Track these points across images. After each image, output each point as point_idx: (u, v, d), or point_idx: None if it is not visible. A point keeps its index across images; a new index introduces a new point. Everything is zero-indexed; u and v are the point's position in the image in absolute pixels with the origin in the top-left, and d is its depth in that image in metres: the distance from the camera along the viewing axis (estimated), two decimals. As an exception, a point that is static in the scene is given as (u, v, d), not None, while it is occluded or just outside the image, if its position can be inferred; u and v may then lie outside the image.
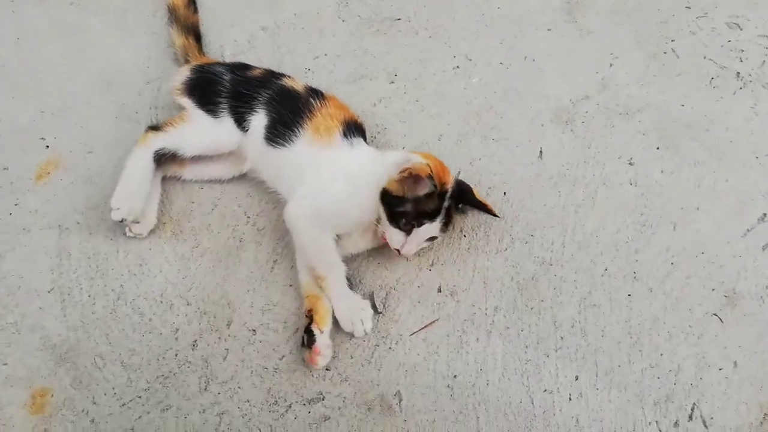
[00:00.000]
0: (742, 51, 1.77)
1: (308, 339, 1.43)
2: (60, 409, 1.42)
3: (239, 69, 1.62)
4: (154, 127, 1.57)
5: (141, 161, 1.54)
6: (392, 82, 1.76)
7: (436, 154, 1.62)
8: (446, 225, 1.45)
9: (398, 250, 1.45)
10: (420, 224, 1.42)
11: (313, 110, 1.53)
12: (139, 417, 1.42)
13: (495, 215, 1.50)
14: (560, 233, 1.58)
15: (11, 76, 1.78)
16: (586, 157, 1.66)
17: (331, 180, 1.48)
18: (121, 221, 1.51)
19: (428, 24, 1.84)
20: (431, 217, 1.42)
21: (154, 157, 1.54)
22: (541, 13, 1.85)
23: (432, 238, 1.47)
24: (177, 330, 1.50)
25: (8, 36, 1.84)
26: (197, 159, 1.60)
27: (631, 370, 1.45)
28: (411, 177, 1.39)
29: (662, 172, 1.64)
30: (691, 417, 1.41)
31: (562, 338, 1.48)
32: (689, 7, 1.84)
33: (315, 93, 1.57)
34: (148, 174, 1.54)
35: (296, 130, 1.51)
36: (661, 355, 1.46)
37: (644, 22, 1.83)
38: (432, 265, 1.56)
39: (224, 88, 1.57)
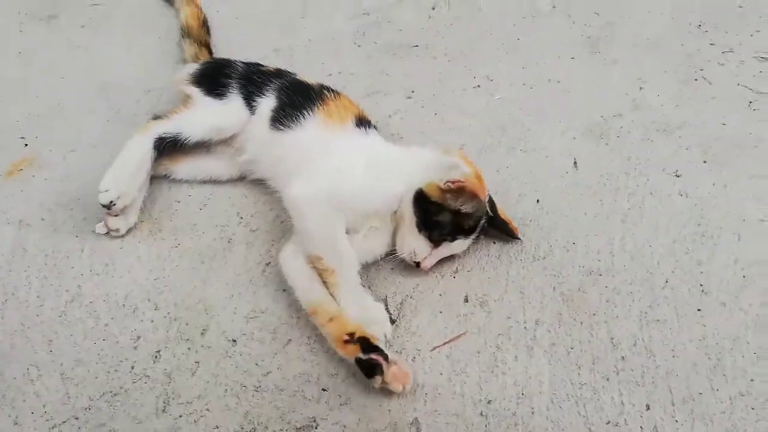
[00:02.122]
0: (777, 80, 1.69)
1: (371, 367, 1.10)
2: (-32, 431, 1.08)
3: (253, 64, 1.51)
4: (157, 117, 1.41)
5: (140, 147, 1.35)
6: (409, 98, 1.65)
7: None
8: (474, 240, 1.28)
9: (417, 263, 1.24)
10: (454, 239, 1.24)
11: (326, 98, 1.39)
12: (71, 443, 1.07)
13: (516, 237, 1.33)
14: (607, 242, 1.34)
15: (4, 83, 1.68)
16: (626, 168, 1.48)
17: (347, 163, 1.28)
18: (110, 205, 1.27)
19: (446, 51, 1.78)
20: (468, 233, 1.25)
21: (155, 145, 1.36)
22: (562, 45, 1.79)
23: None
24: (138, 338, 1.19)
25: (10, 50, 1.78)
26: (193, 152, 1.43)
27: (717, 399, 1.11)
28: (463, 192, 1.20)
29: (714, 184, 1.44)
30: (807, 462, 1.05)
31: (623, 358, 1.17)
32: (713, 44, 1.79)
33: (328, 88, 1.44)
34: (146, 161, 1.35)
35: (306, 112, 1.35)
36: (752, 380, 1.14)
37: (669, 54, 1.76)
38: (456, 272, 1.30)
39: (236, 72, 1.45)
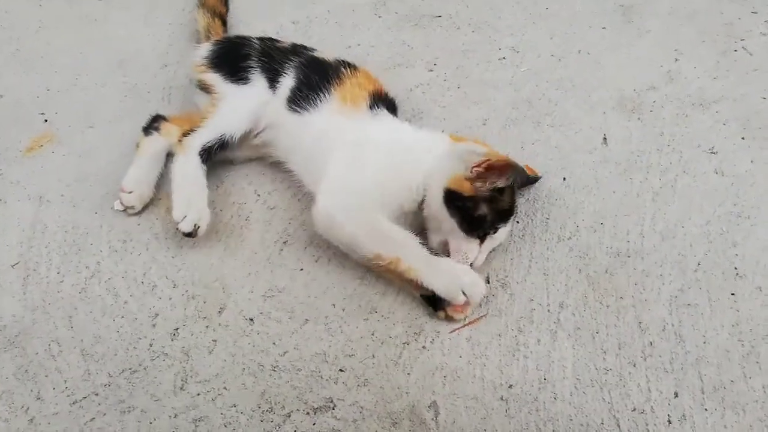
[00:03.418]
0: (825, 50, 1.59)
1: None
2: (-8, 404, 1.09)
3: (267, 39, 1.46)
4: (186, 133, 1.34)
5: (188, 167, 1.30)
6: (431, 70, 1.59)
7: (481, 138, 1.42)
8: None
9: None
10: (496, 230, 1.18)
11: (342, 78, 1.34)
12: (92, 419, 1.07)
13: (537, 178, 1.33)
14: (637, 222, 1.29)
15: (24, 58, 1.67)
16: (659, 144, 1.41)
17: (358, 157, 1.23)
18: (195, 231, 1.23)
19: (471, 21, 1.71)
20: (506, 218, 1.19)
21: (202, 158, 1.31)
22: (594, 14, 1.71)
23: None
24: (156, 315, 1.19)
25: (30, 24, 1.76)
26: None
27: (749, 387, 1.07)
28: (492, 169, 1.14)
29: (752, 161, 1.37)
30: None
31: (651, 344, 1.12)
32: (755, 12, 1.69)
33: (345, 64, 1.39)
34: (200, 176, 1.30)
35: (322, 94, 1.30)
36: (789, 369, 1.09)
37: (707, 23, 1.67)
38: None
39: (254, 50, 1.40)
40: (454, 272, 1.13)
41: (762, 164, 1.37)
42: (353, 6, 1.77)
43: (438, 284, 1.13)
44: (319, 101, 1.31)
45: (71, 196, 1.37)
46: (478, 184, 1.16)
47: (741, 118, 1.45)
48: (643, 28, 1.67)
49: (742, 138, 1.42)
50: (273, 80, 1.36)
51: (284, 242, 1.29)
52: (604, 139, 1.43)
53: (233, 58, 1.40)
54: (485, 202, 1.16)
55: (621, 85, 1.53)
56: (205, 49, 1.46)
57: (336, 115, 1.30)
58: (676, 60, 1.59)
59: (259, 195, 1.37)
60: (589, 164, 1.39)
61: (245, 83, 1.37)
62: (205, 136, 1.33)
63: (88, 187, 1.39)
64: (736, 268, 1.21)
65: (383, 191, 1.21)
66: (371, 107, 1.31)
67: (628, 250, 1.25)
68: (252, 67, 1.38)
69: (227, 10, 1.68)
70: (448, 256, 1.18)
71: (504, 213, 1.19)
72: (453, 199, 1.17)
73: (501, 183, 1.15)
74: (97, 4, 1.82)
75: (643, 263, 1.23)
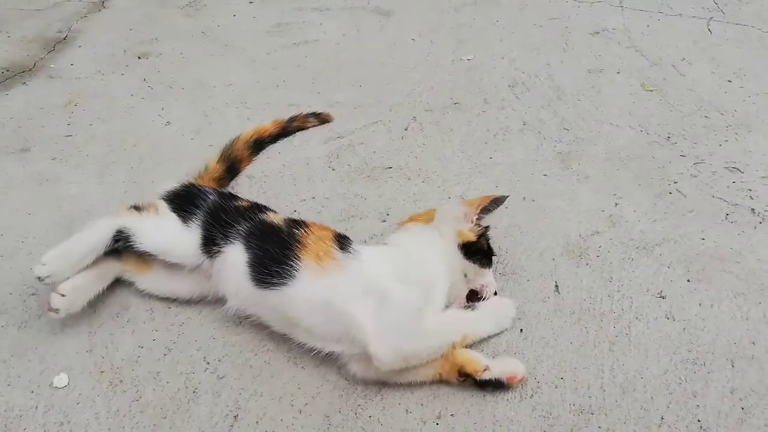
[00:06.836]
0: (750, 190, 1.69)
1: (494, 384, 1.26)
2: None
3: (226, 197, 1.47)
4: (136, 207, 1.42)
5: (100, 231, 1.38)
6: (384, 221, 1.62)
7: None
8: None
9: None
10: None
11: (301, 240, 1.32)
12: None
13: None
14: (596, 375, 1.27)
15: (-32, 222, 1.64)
16: (609, 290, 1.43)
17: (382, 296, 1.24)
18: (40, 279, 1.31)
19: (420, 171, 1.78)
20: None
21: (115, 235, 1.36)
22: (534, 162, 1.80)
23: None
24: None
25: (-23, 185, 1.75)
26: (159, 265, 1.40)
27: None
28: (485, 208, 1.46)
29: (700, 305, 1.40)
30: None
31: None
32: (684, 156, 1.82)
33: (296, 223, 1.38)
34: (99, 247, 1.36)
35: (292, 265, 1.27)
36: None
37: (641, 167, 1.78)
38: (439, 417, 1.21)
39: (204, 203, 1.41)
40: (496, 307, 1.36)
41: (709, 307, 1.40)
42: (308, 159, 1.83)
43: (492, 328, 1.34)
44: (293, 272, 1.27)
45: (6, 373, 1.28)
46: (476, 226, 1.41)
47: (684, 261, 1.50)
48: (582, 174, 1.77)
49: (688, 280, 1.46)
50: (210, 241, 1.35)
51: (235, 417, 1.21)
52: (556, 286, 1.45)
53: (185, 200, 1.44)
54: (482, 237, 1.40)
55: (567, 231, 1.59)
56: (171, 185, 1.50)
57: (319, 277, 1.27)
58: (616, 204, 1.67)
59: (208, 363, 1.30)
60: (544, 314, 1.39)
61: (183, 222, 1.39)
62: (130, 222, 1.38)
63: (26, 362, 1.31)
64: (699, 420, 1.19)
65: (434, 295, 1.29)
66: (342, 249, 1.32)
67: (590, 406, 1.22)
68: (196, 215, 1.40)
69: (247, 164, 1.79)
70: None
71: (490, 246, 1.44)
72: (468, 248, 1.37)
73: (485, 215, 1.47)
74: (49, 163, 1.83)
75: (607, 420, 1.20)
